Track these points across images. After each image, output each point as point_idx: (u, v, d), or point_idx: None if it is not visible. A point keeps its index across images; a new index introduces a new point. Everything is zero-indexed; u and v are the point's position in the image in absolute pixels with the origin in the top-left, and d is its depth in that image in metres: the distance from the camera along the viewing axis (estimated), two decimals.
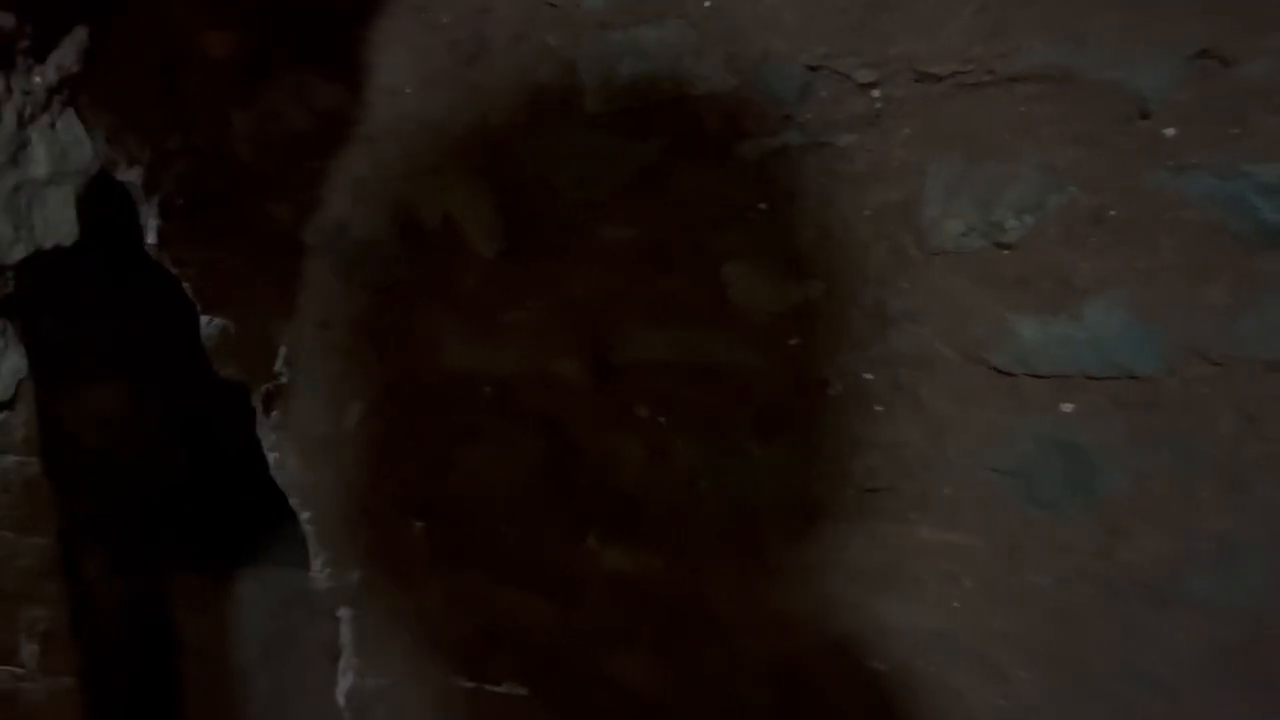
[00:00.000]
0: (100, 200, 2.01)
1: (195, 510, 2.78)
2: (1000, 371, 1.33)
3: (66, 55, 1.66)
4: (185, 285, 1.75)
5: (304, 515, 1.82)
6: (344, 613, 1.85)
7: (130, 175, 1.66)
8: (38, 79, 1.78)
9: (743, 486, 1.51)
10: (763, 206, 1.36)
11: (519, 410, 1.59)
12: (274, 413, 1.77)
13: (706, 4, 1.31)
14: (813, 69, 1.28)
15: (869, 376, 1.39)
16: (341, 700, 1.87)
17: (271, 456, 1.80)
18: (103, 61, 1.57)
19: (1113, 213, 1.20)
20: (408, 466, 1.70)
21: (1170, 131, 1.16)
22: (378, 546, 1.77)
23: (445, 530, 1.70)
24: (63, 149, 1.89)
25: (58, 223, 1.98)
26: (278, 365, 1.73)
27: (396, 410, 1.68)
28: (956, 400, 1.37)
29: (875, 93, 1.26)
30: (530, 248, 1.49)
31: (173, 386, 2.69)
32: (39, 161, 1.92)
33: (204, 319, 1.77)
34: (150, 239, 1.69)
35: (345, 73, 1.46)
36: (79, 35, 1.62)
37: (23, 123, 1.89)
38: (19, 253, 2.05)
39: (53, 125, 1.88)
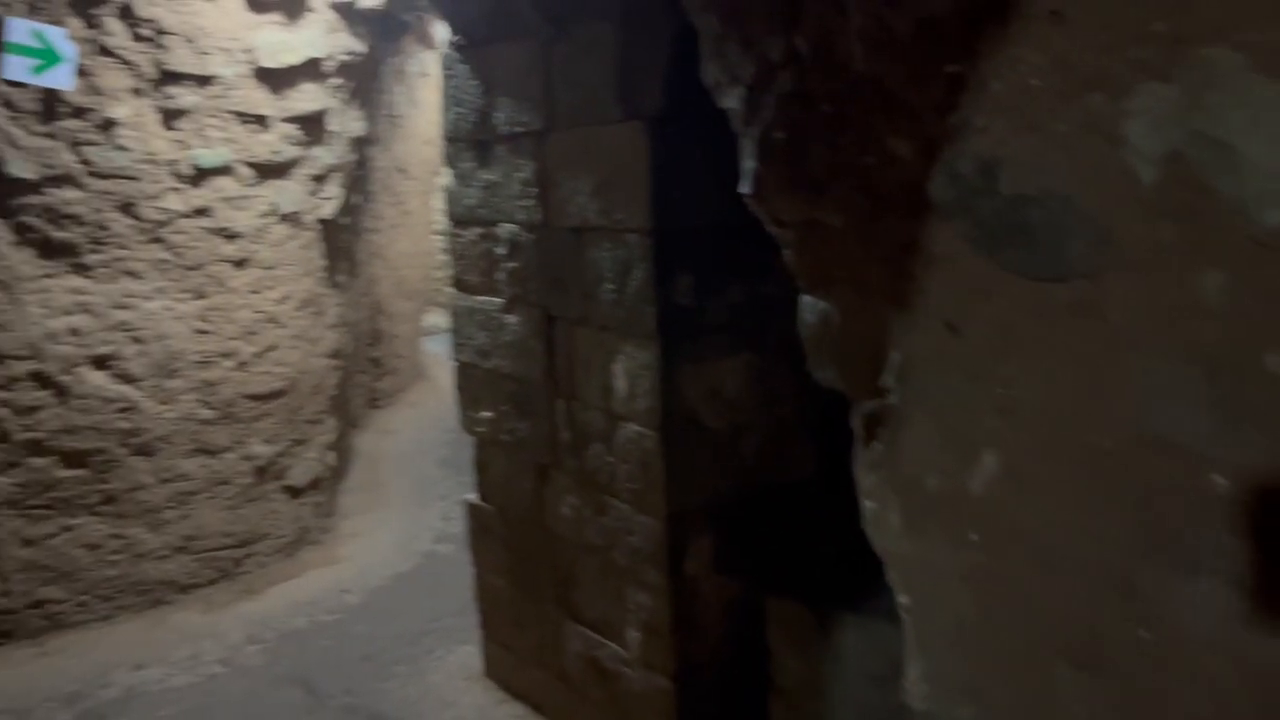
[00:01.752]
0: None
1: (812, 517, 2.61)
2: None
3: None
4: (785, 252, 1.46)
5: (901, 599, 1.40)
6: None
7: (731, 100, 1.41)
8: None
9: None
10: None
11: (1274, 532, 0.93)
12: (875, 444, 1.39)
13: None
14: None
15: None
16: None
17: (866, 505, 1.42)
18: None
19: None
20: (1061, 575, 1.17)
21: None
22: (1005, 685, 1.28)
23: (1120, 695, 1.13)
24: None
25: None
26: (886, 378, 1.34)
27: (1054, 479, 1.15)
28: None
29: None
30: None
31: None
32: None
33: (803, 299, 1.47)
34: (745, 187, 1.42)
35: None
36: None
37: None
38: None
39: None
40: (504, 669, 3.18)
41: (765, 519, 2.50)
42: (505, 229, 2.79)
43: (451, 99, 2.91)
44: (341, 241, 4.65)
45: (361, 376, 7.28)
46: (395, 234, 7.71)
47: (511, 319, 2.81)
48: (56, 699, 3.20)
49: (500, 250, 2.81)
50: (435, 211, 11.31)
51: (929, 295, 1.21)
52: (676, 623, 2.45)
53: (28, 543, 3.56)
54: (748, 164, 1.40)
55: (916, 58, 1.08)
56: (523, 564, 2.99)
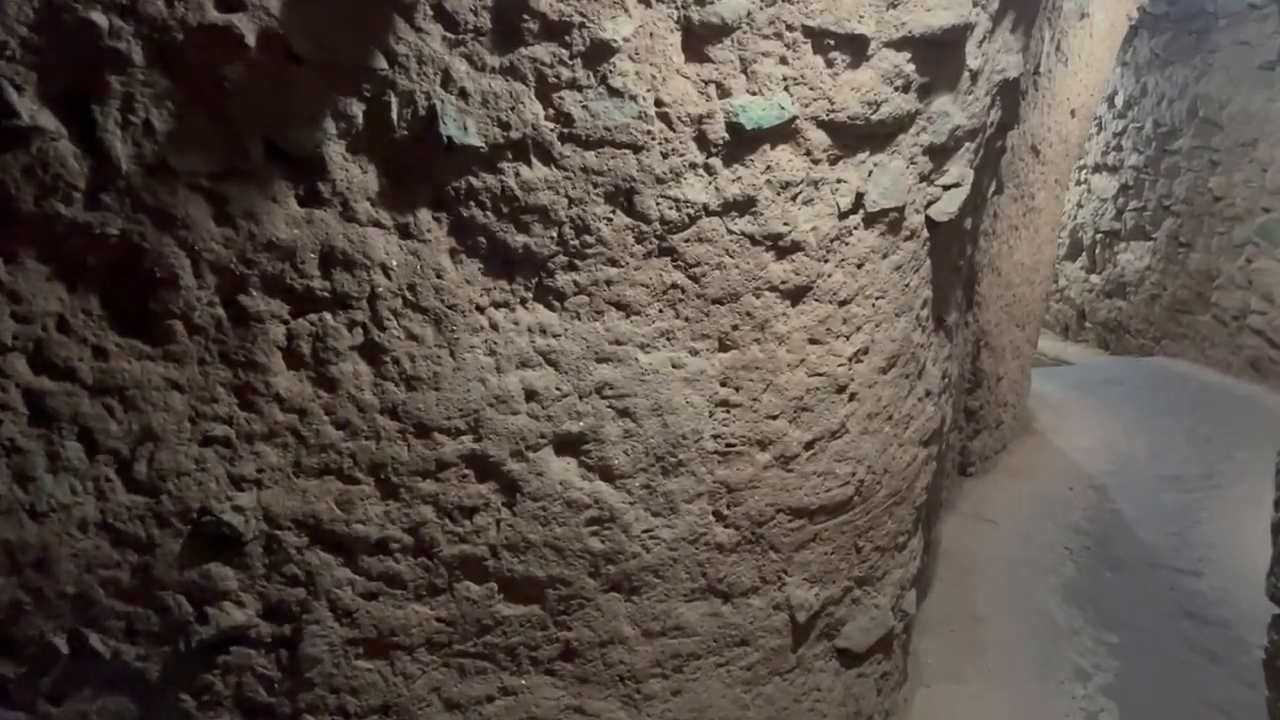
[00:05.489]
0: None
1: None
2: None
3: None
4: None
5: None
6: None
7: None
8: None
9: None
10: None
11: None
12: None
13: None
14: None
15: None
16: None
17: None
18: None
19: None
20: None
21: None
22: None
23: None
24: None
25: None
26: None
27: None
28: None
29: None
30: None
31: None
32: None
33: None
34: None
35: None
36: None
37: None
38: None
39: None
40: None
41: None
42: None
43: None
44: (958, 258, 3.02)
45: (951, 435, 5.64)
46: (1014, 239, 5.90)
47: None
48: None
49: None
50: (1065, 208, 9.27)
51: None
52: None
53: (452, 706, 2.46)
54: None
55: None
56: None
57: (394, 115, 2.06)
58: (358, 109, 2.06)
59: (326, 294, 2.16)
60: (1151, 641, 3.78)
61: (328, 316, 2.17)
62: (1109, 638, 3.79)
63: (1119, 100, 9.48)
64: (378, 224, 2.14)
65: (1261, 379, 7.93)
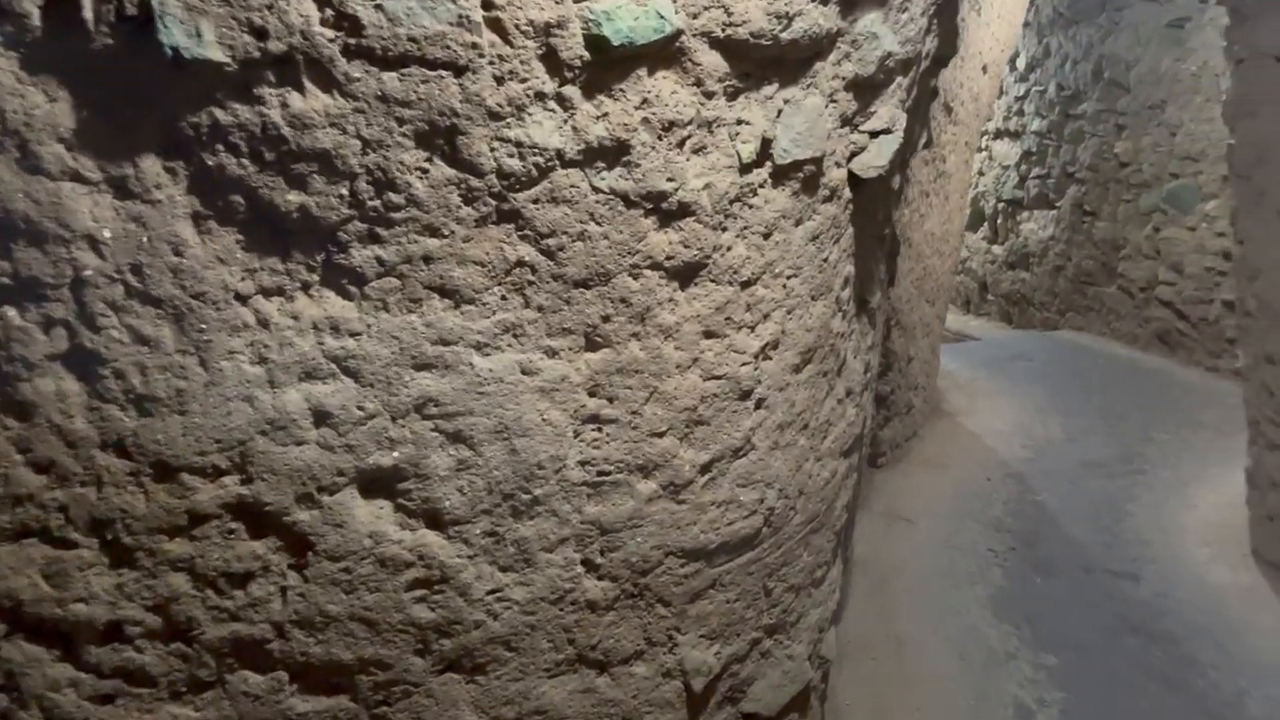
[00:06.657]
0: None
1: None
2: None
3: None
4: None
5: None
6: None
7: None
8: None
9: None
10: None
11: None
12: None
13: None
14: None
15: None
16: None
17: None
18: None
19: None
20: None
21: None
22: None
23: None
24: None
25: None
26: None
27: None
28: None
29: None
30: None
31: None
32: None
33: None
34: None
35: None
36: None
37: None
38: None
39: None
40: None
41: None
42: None
43: None
44: (884, 224, 2.50)
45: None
46: (925, 206, 5.48)
47: None
48: None
49: None
50: (973, 174, 9.00)
51: None
52: None
53: None
54: None
55: None
56: None
57: (87, 13, 1.42)
58: (30, 4, 1.41)
59: (7, 280, 1.51)
60: (1096, 664, 3.39)
61: (10, 314, 1.52)
62: (1048, 660, 3.39)
63: (1021, 62, 9.21)
64: (78, 177, 1.49)
65: (1170, 352, 7.76)
